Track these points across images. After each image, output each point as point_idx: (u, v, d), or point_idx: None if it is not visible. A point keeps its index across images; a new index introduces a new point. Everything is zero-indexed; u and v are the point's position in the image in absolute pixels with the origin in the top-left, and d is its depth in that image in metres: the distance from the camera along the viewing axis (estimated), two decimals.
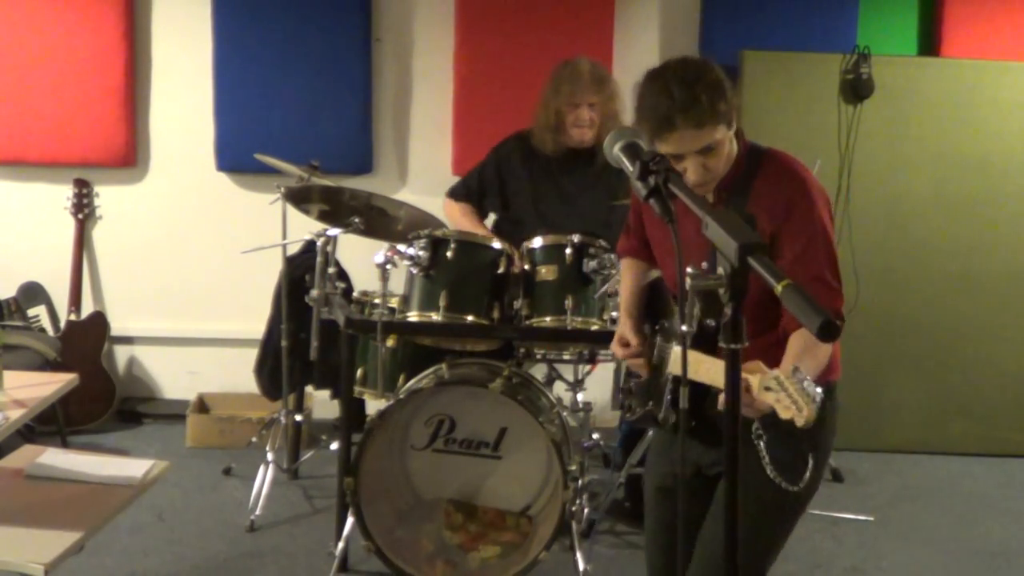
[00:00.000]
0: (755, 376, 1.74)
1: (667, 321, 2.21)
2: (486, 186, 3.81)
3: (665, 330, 2.21)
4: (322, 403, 4.46)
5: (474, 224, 3.76)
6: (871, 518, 3.90)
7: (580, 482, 3.28)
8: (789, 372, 1.71)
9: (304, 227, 3.65)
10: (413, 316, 3.17)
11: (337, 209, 3.47)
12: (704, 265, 1.98)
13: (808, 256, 2.02)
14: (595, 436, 3.94)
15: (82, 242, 4.76)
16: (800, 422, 1.68)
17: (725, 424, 1.46)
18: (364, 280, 3.78)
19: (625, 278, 2.42)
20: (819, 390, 1.68)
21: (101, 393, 4.58)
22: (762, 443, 2.01)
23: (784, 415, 1.70)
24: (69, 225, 4.74)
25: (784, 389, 1.70)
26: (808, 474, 2.07)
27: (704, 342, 1.87)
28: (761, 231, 2.03)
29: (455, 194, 3.86)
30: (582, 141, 3.68)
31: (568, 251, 3.14)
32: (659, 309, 2.38)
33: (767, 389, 1.72)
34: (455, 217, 3.81)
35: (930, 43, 4.83)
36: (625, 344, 2.26)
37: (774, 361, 1.87)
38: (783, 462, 2.06)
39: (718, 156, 2.02)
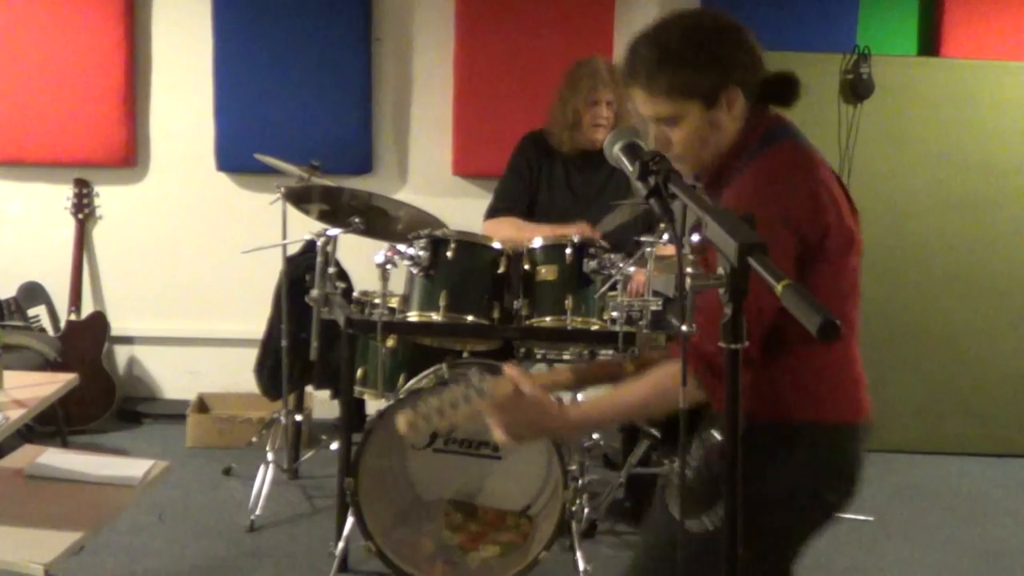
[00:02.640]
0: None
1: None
2: (527, 184, 3.81)
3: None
4: (322, 403, 4.45)
5: (530, 228, 3.62)
6: (871, 518, 3.90)
7: (580, 482, 3.29)
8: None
9: (304, 227, 3.64)
10: (413, 316, 3.17)
11: (337, 209, 3.47)
12: None
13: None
14: (595, 436, 3.94)
15: (82, 242, 4.76)
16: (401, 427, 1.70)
17: (726, 424, 1.45)
18: (364, 280, 3.78)
19: None
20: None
21: (101, 393, 4.58)
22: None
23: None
24: (69, 225, 4.74)
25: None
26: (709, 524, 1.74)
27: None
28: None
29: (496, 212, 3.83)
30: (595, 142, 3.68)
31: (568, 251, 3.14)
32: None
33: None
34: (506, 233, 3.59)
35: (930, 43, 4.83)
36: None
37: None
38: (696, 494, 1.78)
39: (681, 133, 1.82)
